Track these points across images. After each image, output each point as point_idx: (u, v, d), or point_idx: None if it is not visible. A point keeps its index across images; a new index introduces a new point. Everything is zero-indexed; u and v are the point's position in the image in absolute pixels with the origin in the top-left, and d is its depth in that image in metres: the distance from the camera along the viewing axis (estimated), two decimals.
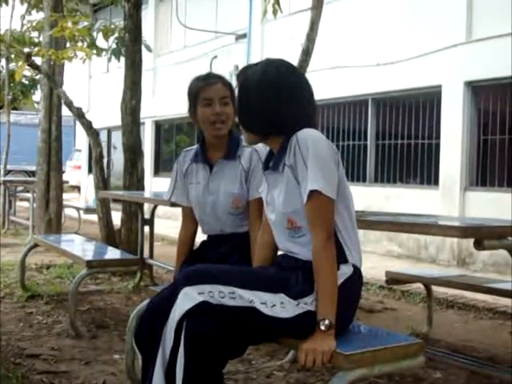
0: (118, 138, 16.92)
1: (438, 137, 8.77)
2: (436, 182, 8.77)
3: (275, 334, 2.27)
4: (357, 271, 2.28)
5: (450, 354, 3.53)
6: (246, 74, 2.36)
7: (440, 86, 8.61)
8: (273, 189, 2.34)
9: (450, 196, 8.43)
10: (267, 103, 2.27)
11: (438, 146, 8.77)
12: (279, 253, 2.49)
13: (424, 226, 2.61)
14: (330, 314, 2.13)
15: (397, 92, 9.33)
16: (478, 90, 8.35)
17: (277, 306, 2.16)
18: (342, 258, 2.22)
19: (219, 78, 2.79)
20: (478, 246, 2.48)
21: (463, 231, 2.41)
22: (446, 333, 4.71)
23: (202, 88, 2.71)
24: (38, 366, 3.63)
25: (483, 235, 2.47)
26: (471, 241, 7.61)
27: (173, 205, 4.76)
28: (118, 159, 16.28)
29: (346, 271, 2.23)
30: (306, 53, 5.25)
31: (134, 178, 6.51)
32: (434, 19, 8.73)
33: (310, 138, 2.19)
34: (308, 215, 2.18)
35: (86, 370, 3.61)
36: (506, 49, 7.74)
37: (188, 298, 2.15)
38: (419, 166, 9.18)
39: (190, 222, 2.96)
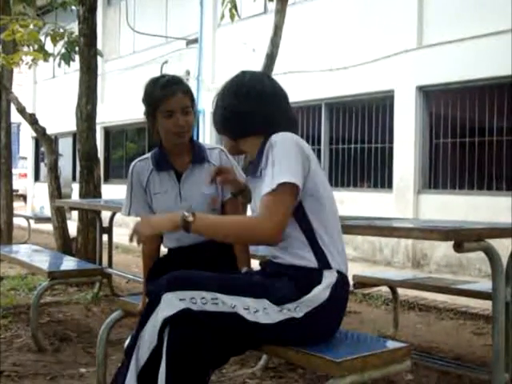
0: (64, 145, 16.62)
1: (391, 141, 8.90)
2: (390, 186, 8.89)
3: (258, 340, 2.22)
4: (341, 277, 2.23)
5: (421, 356, 3.55)
6: (222, 86, 2.42)
7: (392, 91, 8.75)
8: (255, 195, 2.33)
9: (403, 199, 8.56)
10: (240, 105, 2.31)
11: (391, 149, 8.90)
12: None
13: (405, 230, 2.62)
14: (200, 228, 2.12)
15: (350, 97, 9.43)
16: (429, 95, 8.52)
17: (259, 311, 2.12)
18: (324, 264, 2.19)
19: (179, 85, 2.68)
20: (458, 248, 2.50)
21: (445, 234, 2.41)
22: (411, 334, 4.77)
23: (163, 99, 2.61)
24: None
25: (463, 238, 2.49)
26: (426, 243, 7.71)
27: None
28: (64, 167, 15.96)
29: (330, 280, 2.19)
30: (271, 58, 5.23)
31: (90, 185, 6.36)
32: (385, 25, 8.87)
33: (279, 139, 2.17)
34: (262, 203, 2.12)
35: None
36: (456, 54, 7.94)
37: (169, 304, 2.10)
38: (373, 170, 9.30)
39: (154, 235, 2.86)
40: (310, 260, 2.19)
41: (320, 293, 2.16)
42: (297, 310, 2.14)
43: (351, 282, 5.21)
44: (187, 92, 2.69)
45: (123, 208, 2.87)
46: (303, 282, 2.17)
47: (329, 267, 2.20)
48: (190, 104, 2.67)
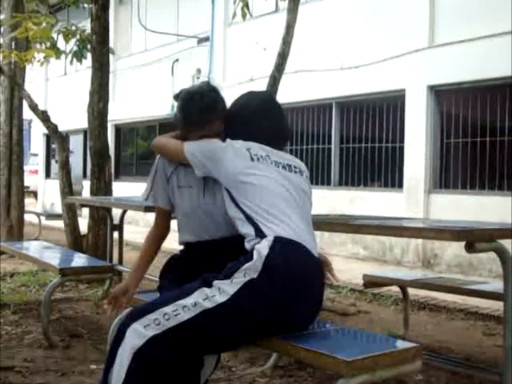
0: (75, 142, 16.68)
1: (401, 140, 8.87)
2: (400, 185, 8.87)
3: (233, 326, 2.24)
4: (278, 239, 2.29)
5: (431, 356, 3.55)
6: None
7: (403, 90, 8.72)
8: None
9: (414, 198, 8.53)
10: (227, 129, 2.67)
11: (401, 149, 8.87)
12: None
13: (416, 230, 2.61)
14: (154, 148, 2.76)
15: (361, 96, 9.40)
16: (440, 94, 8.48)
17: (216, 294, 2.21)
18: (259, 234, 2.32)
19: (215, 112, 2.63)
20: (470, 248, 2.49)
21: (456, 234, 2.41)
22: (421, 334, 4.76)
23: (198, 126, 2.61)
24: (12, 379, 3.50)
25: (475, 238, 2.49)
26: (436, 243, 7.69)
27: (147, 210, 4.71)
28: (75, 164, 16.04)
29: (265, 244, 2.27)
30: (282, 56, 5.23)
31: (101, 182, 6.39)
32: (397, 24, 8.83)
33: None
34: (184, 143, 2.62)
35: (62, 382, 3.50)
36: (468, 54, 7.90)
37: (136, 334, 2.21)
38: (383, 170, 9.27)
39: (164, 224, 2.84)
40: (251, 235, 2.35)
41: (259, 254, 2.24)
42: (246, 276, 2.22)
43: (353, 281, 5.19)
44: (222, 116, 2.67)
45: (143, 192, 2.86)
46: (245, 255, 2.30)
47: (264, 236, 2.31)
48: (223, 127, 2.68)
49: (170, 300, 2.25)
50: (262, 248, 2.26)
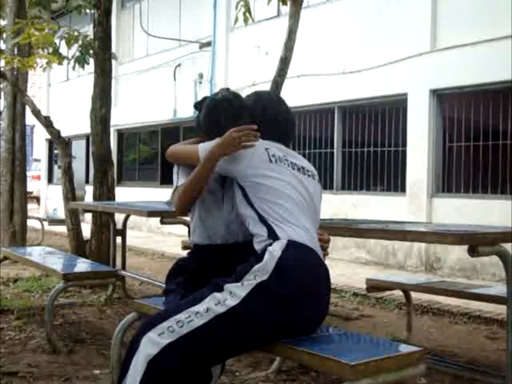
0: (77, 148, 16.70)
1: (404, 144, 8.87)
2: (403, 189, 8.86)
3: (243, 328, 2.23)
4: (291, 243, 2.30)
5: (434, 360, 3.55)
6: None
7: (406, 94, 8.73)
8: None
9: (416, 203, 8.53)
10: None
11: (404, 153, 8.87)
12: None
13: (419, 234, 2.61)
14: None
15: (363, 100, 9.41)
16: (442, 98, 8.49)
17: (228, 298, 2.22)
18: (273, 236, 2.33)
19: (242, 119, 2.61)
20: (473, 252, 2.49)
21: (460, 238, 2.41)
22: (424, 338, 4.75)
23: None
24: None
25: (478, 242, 2.49)
26: (439, 246, 7.67)
27: (150, 215, 4.73)
28: (77, 169, 16.05)
29: (279, 245, 2.28)
30: (285, 61, 5.25)
31: (104, 187, 6.41)
32: (399, 28, 8.85)
33: None
34: None
35: None
36: (470, 57, 7.90)
37: (151, 342, 2.22)
38: (386, 174, 9.27)
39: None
40: (262, 235, 2.35)
41: (271, 256, 2.25)
42: (256, 278, 2.22)
43: (356, 285, 5.17)
44: (248, 123, 2.64)
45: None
46: (256, 256, 2.30)
47: (277, 238, 2.31)
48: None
49: (183, 307, 2.26)
50: (275, 250, 2.26)
